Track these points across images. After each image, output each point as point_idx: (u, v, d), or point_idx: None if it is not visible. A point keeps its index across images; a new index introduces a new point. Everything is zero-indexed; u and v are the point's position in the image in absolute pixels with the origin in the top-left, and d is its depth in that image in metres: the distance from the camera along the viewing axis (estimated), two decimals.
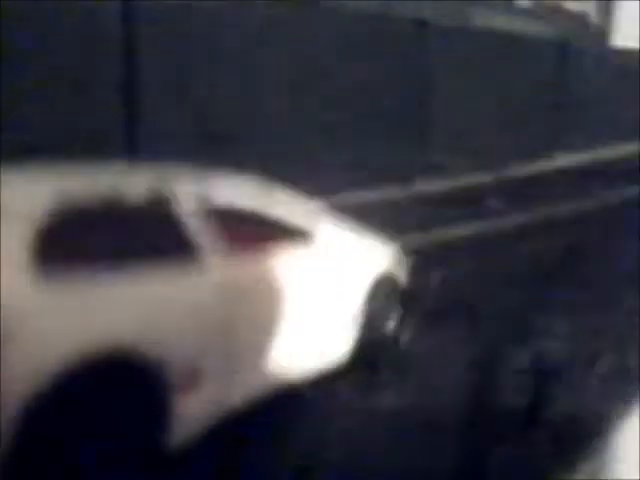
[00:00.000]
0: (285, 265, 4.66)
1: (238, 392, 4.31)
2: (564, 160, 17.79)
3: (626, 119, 21.54)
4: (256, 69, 10.89)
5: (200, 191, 4.34)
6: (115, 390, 3.50)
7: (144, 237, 3.92)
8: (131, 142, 8.65)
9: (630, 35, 23.03)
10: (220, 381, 4.16)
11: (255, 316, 4.38)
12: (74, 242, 3.60)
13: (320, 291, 4.89)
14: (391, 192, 12.58)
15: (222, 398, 4.20)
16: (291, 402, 4.68)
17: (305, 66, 11.72)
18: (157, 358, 3.67)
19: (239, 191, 4.61)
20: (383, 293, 5.39)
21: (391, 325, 5.56)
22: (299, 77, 11.51)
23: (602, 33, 22.45)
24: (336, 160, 11.60)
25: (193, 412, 3.95)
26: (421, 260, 7.12)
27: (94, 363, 3.37)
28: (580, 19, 21.57)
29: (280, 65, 11.15)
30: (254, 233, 4.57)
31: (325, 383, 4.94)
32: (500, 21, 18.53)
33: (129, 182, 4.05)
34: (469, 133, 15.45)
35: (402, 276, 5.65)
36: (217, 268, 4.20)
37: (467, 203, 12.13)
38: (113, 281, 3.63)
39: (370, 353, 5.34)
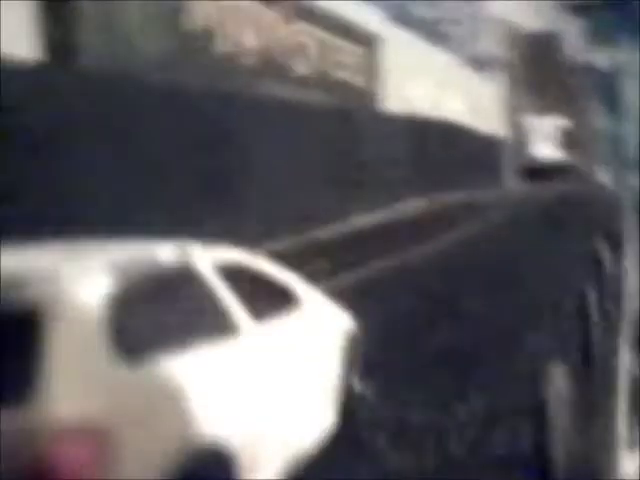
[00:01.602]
0: (291, 328, 4.55)
1: (284, 468, 3.99)
2: (362, 221, 18.36)
3: (402, 179, 22.69)
4: None
5: (211, 257, 4.12)
6: None
7: (187, 307, 3.68)
8: None
9: (395, 99, 24.40)
10: (273, 459, 3.88)
11: (278, 384, 4.17)
12: (138, 321, 3.28)
13: (313, 355, 4.76)
14: None
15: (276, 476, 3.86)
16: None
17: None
18: (232, 446, 3.32)
19: (238, 256, 4.46)
20: (350, 354, 5.27)
21: (357, 383, 5.43)
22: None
23: (371, 99, 23.59)
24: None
25: None
26: None
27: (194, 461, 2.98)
28: (350, 86, 22.53)
29: None
30: (263, 295, 4.45)
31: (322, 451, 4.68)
32: (280, 89, 18.92)
33: (161, 255, 3.82)
34: (271, 198, 15.58)
35: (359, 335, 5.52)
36: (249, 332, 4.00)
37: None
38: (182, 359, 3.33)
39: (348, 414, 5.16)
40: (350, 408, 5.17)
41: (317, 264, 12.28)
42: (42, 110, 9.67)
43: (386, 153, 21.91)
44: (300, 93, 19.47)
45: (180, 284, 3.73)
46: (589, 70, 44.77)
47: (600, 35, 44.44)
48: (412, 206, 21.60)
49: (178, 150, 12.76)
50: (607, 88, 44.66)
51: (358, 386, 5.42)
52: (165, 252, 3.84)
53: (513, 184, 37.71)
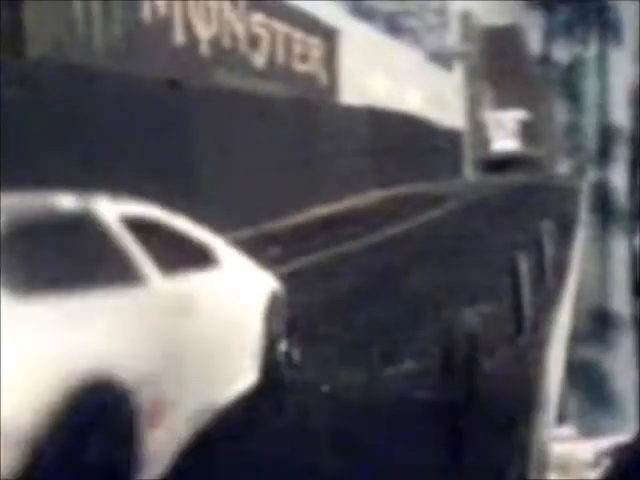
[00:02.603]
0: (206, 284, 4.62)
1: (192, 420, 4.05)
2: (319, 211, 18.52)
3: (360, 170, 22.86)
4: None
5: (119, 209, 4.18)
6: (94, 426, 3.11)
7: (85, 251, 3.77)
8: None
9: (354, 92, 24.59)
10: (182, 408, 3.93)
11: (190, 336, 4.23)
12: (29, 257, 3.35)
13: (232, 312, 4.84)
14: None
15: (182, 428, 3.91)
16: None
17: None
18: (128, 388, 3.34)
19: (152, 212, 4.52)
20: (274, 314, 5.36)
21: (283, 346, 5.53)
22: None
23: (330, 91, 23.72)
24: None
25: (160, 447, 3.64)
26: None
27: (79, 394, 2.99)
28: (310, 79, 22.65)
29: None
30: (176, 250, 4.51)
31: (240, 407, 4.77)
32: (239, 81, 18.98)
33: (59, 201, 3.87)
34: (228, 189, 15.64)
35: (283, 297, 5.62)
36: (156, 282, 4.03)
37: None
38: (74, 298, 3.38)
39: (272, 373, 5.25)
40: (273, 366, 5.26)
41: (269, 252, 12.41)
42: None
43: (344, 145, 22.05)
44: (257, 85, 19.58)
45: (79, 231, 3.80)
46: (549, 64, 45.27)
47: (559, 29, 44.99)
48: (368, 197, 21.78)
49: (128, 140, 12.76)
50: (567, 82, 45.18)
51: (283, 346, 5.52)
52: (64, 200, 3.90)
53: (473, 176, 38.08)
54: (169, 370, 3.90)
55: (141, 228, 4.19)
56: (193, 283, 4.51)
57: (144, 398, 3.46)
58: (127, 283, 3.84)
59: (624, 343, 35.93)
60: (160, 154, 13.73)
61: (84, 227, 3.83)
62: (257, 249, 12.67)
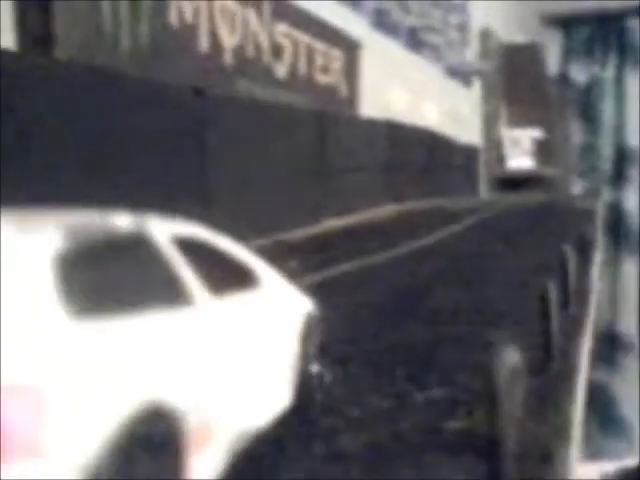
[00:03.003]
0: (250, 305, 4.64)
1: (234, 442, 4.04)
2: (334, 223, 18.46)
3: (377, 184, 22.83)
4: None
5: (170, 229, 4.19)
6: (143, 456, 3.07)
7: (138, 273, 3.74)
8: None
9: (374, 105, 24.57)
10: (225, 432, 3.91)
11: (235, 357, 4.24)
12: (87, 277, 3.31)
13: (272, 333, 4.86)
14: None
15: (225, 451, 3.89)
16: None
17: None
18: (178, 415, 3.31)
19: (199, 232, 4.54)
20: (309, 335, 5.35)
21: (315, 366, 5.51)
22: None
23: (350, 104, 23.70)
24: None
25: (204, 471, 3.61)
26: None
27: (134, 424, 2.96)
28: (330, 90, 22.65)
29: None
30: (222, 271, 4.54)
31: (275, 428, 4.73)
32: (261, 91, 18.99)
33: (114, 220, 3.87)
34: (245, 199, 15.61)
35: (318, 318, 5.59)
36: (205, 303, 4.04)
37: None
38: (132, 321, 3.34)
39: (305, 394, 5.23)
40: (306, 388, 5.25)
41: (287, 264, 12.35)
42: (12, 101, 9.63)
43: (361, 158, 22.01)
44: (278, 95, 19.57)
45: (133, 250, 3.79)
46: (566, 83, 45.21)
47: (578, 48, 44.96)
48: (384, 211, 21.73)
49: (146, 146, 12.72)
50: (584, 102, 45.10)
51: (316, 368, 5.50)
52: (119, 219, 3.90)
53: (488, 193, 38.00)
54: (215, 393, 3.89)
55: (190, 248, 4.19)
56: (237, 304, 4.52)
57: (191, 423, 3.43)
58: (178, 305, 3.84)
59: (632, 366, 35.73)
60: (178, 161, 13.71)
61: (138, 248, 3.82)
62: (274, 261, 12.67)
